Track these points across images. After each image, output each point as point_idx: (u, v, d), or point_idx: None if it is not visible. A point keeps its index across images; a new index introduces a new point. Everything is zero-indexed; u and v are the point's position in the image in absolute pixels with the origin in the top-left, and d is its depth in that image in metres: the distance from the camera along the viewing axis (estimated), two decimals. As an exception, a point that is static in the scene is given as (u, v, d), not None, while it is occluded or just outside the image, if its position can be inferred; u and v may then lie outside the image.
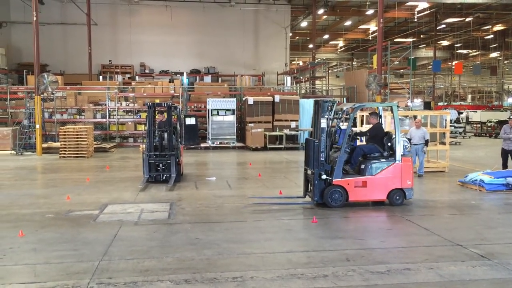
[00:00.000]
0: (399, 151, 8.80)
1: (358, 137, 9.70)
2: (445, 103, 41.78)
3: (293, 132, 20.88)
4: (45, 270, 5.56)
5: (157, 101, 20.72)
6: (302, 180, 9.48)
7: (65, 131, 17.57)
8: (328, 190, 8.67)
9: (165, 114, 12.16)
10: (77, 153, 17.36)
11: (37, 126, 18.34)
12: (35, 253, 6.21)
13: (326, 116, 8.64)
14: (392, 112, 9.26)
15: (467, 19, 36.89)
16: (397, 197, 8.90)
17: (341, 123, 9.74)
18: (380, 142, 9.07)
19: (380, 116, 9.62)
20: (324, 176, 8.65)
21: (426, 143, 12.53)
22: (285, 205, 9.15)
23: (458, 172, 13.25)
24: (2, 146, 19.29)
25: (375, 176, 8.76)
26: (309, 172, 9.03)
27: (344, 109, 9.50)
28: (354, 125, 14.83)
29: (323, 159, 8.65)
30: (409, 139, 12.51)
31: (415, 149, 12.49)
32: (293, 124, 21.29)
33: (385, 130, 9.52)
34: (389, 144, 8.97)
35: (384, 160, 8.87)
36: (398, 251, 6.31)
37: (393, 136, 8.94)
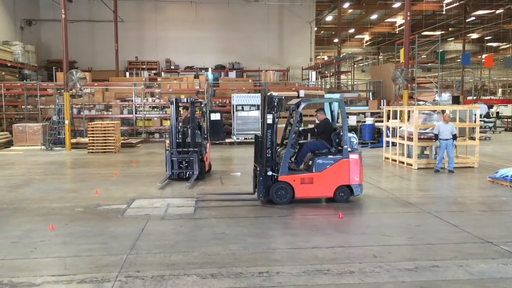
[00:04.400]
0: (346, 147, 8.64)
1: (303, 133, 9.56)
2: (475, 97, 40.77)
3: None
4: (74, 263, 5.67)
5: (183, 96, 20.87)
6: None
7: (93, 127, 17.90)
8: (274, 187, 8.60)
9: (189, 110, 12.13)
10: (104, 148, 17.68)
11: (66, 122, 18.74)
12: (65, 246, 6.35)
13: (273, 112, 8.52)
14: (340, 108, 9.06)
15: (498, 11, 35.90)
16: (341, 194, 8.72)
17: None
18: (328, 138, 8.94)
19: (332, 112, 9.49)
20: (270, 173, 8.57)
21: (455, 137, 12.34)
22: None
23: (488, 168, 12.96)
24: (32, 141, 19.82)
25: (321, 172, 8.62)
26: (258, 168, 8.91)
27: (290, 105, 9.24)
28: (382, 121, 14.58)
29: (269, 155, 8.56)
30: (436, 135, 12.38)
31: (445, 144, 12.28)
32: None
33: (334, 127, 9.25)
34: (337, 140, 8.83)
35: (331, 156, 8.74)
36: (427, 248, 6.20)
37: (341, 132, 8.75)
